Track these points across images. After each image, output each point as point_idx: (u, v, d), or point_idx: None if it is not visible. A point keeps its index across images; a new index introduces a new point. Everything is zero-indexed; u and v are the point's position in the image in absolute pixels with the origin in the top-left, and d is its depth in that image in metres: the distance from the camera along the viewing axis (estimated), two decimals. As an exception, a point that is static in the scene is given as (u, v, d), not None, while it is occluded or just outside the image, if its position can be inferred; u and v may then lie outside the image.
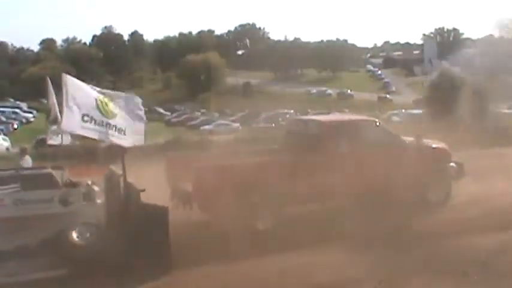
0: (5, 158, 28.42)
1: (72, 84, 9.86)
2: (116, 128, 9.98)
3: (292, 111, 76.19)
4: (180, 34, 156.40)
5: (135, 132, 10.29)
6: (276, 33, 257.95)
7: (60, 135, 11.78)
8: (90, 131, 9.84)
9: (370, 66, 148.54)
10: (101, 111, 9.83)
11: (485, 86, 34.25)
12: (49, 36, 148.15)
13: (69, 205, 9.95)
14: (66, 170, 11.71)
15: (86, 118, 9.71)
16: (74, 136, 11.86)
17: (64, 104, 9.72)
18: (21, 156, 13.55)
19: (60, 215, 9.85)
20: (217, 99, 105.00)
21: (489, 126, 28.71)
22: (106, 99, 10.03)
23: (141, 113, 10.48)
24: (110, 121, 9.93)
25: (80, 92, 9.85)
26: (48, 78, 11.47)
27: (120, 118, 10.07)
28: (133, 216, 9.89)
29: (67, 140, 12.09)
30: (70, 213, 9.91)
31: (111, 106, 10.01)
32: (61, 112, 9.98)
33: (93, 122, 9.76)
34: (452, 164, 14.09)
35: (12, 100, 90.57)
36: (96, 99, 9.86)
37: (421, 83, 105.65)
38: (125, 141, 10.14)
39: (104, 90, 10.46)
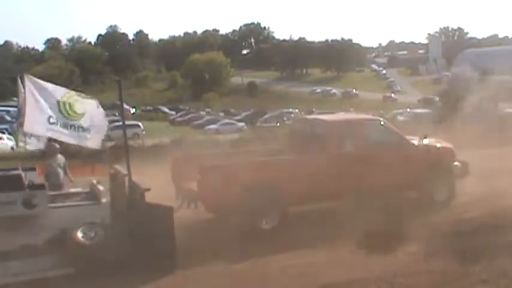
0: (8, 158, 28.31)
1: (36, 84, 9.76)
2: (82, 128, 9.93)
3: (297, 110, 76.50)
4: (185, 33, 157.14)
5: (97, 134, 10.23)
6: (281, 32, 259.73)
7: (31, 137, 11.49)
8: (56, 133, 9.77)
9: (375, 66, 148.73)
10: (62, 113, 9.75)
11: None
12: (54, 35, 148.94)
13: (33, 208, 9.79)
14: (38, 171, 11.55)
15: (51, 120, 9.66)
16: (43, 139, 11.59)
17: (27, 105, 9.64)
18: (52, 155, 13.35)
19: (23, 217, 9.65)
20: (222, 98, 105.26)
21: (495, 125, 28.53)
22: (71, 100, 9.92)
23: (103, 121, 10.40)
24: (74, 122, 9.86)
25: (44, 93, 9.73)
26: (19, 78, 11.19)
27: (86, 118, 10.00)
28: (138, 215, 9.88)
29: (37, 144, 11.78)
30: (34, 216, 9.69)
31: (76, 106, 9.91)
32: (24, 113, 9.79)
33: (58, 123, 9.70)
34: (456, 163, 14.06)
35: (17, 99, 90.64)
36: (58, 101, 9.77)
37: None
38: (89, 141, 10.09)
39: (71, 91, 10.32)
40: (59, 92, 9.99)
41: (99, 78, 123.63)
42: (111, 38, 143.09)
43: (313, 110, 71.86)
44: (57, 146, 12.80)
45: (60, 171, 13.06)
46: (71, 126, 9.83)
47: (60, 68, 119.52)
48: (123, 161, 10.68)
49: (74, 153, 14.28)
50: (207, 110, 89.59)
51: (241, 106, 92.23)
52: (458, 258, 9.70)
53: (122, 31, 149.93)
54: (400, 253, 10.08)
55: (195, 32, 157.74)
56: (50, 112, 9.67)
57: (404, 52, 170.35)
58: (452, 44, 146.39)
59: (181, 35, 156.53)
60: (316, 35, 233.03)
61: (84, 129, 9.97)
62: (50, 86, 10.07)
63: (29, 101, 9.63)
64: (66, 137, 9.93)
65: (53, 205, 9.92)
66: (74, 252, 9.63)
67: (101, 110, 10.45)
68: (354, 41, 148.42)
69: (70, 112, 9.86)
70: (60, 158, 13.25)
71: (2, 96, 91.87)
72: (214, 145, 27.00)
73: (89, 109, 10.14)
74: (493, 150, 19.95)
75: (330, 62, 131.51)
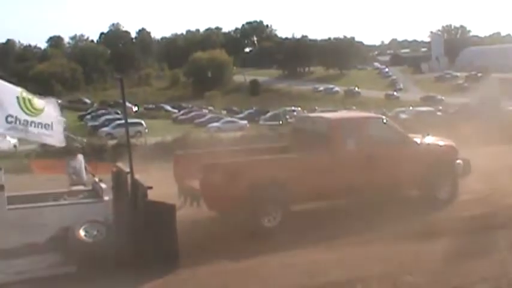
0: (9, 156, 28.30)
1: None
2: (41, 125, 9.73)
3: (299, 108, 76.57)
4: (188, 31, 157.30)
5: (58, 131, 10.09)
6: (284, 30, 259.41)
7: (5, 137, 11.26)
8: (15, 132, 9.67)
9: (377, 64, 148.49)
10: (23, 110, 9.66)
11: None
12: (56, 33, 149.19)
13: None
14: (2, 171, 11.50)
15: (9, 119, 9.45)
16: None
17: None
18: (72, 155, 13.40)
19: None
20: (224, 96, 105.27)
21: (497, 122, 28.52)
22: (29, 96, 9.81)
23: (59, 116, 10.17)
24: (35, 119, 9.67)
25: (2, 91, 9.62)
26: None
27: (45, 114, 9.82)
28: (141, 213, 9.89)
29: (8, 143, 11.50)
30: None
31: (35, 102, 9.75)
32: None
33: (17, 122, 9.50)
34: (459, 161, 14.02)
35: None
36: (17, 97, 9.66)
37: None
38: (52, 138, 9.98)
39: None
40: (17, 89, 9.85)
41: (102, 77, 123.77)
42: (114, 36, 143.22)
43: (316, 108, 71.88)
44: (77, 144, 12.87)
45: (83, 170, 13.30)
46: (31, 123, 9.61)
47: (63, 66, 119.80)
48: (125, 159, 10.68)
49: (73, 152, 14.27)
50: (210, 108, 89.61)
51: (244, 104, 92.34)
52: (459, 257, 9.72)
53: (124, 29, 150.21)
54: (402, 252, 10.06)
55: (197, 30, 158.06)
56: (8, 111, 9.46)
57: (407, 50, 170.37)
58: (455, 42, 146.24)
59: (184, 33, 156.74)
60: (318, 33, 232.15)
61: (44, 126, 9.82)
62: (7, 83, 9.93)
63: None
64: (26, 134, 9.76)
65: (12, 206, 9.83)
66: (76, 250, 9.64)
67: (57, 106, 10.28)
68: (357, 39, 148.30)
69: (30, 108, 9.70)
70: (80, 156, 13.44)
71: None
72: (217, 143, 26.99)
73: (47, 105, 9.99)
74: (495, 148, 19.92)
75: (332, 60, 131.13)
